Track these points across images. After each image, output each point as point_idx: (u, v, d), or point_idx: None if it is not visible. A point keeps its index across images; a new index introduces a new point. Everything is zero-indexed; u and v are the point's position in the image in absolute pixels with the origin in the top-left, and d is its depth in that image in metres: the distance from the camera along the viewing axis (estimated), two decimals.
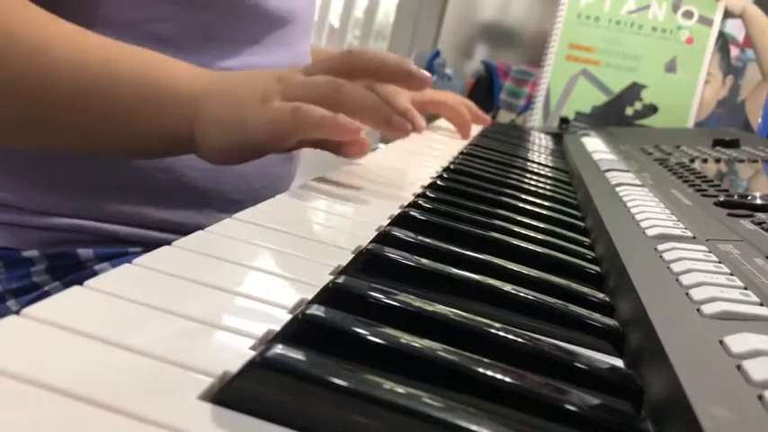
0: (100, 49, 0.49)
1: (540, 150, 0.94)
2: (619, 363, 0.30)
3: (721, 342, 0.25)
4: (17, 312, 0.22)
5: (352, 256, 0.35)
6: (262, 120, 0.46)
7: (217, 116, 0.48)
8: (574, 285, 0.37)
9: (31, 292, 0.59)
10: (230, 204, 0.63)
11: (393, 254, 0.34)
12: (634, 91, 1.28)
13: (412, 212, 0.43)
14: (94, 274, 0.51)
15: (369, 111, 0.46)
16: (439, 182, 0.55)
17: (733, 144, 0.83)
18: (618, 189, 0.57)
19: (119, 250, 0.59)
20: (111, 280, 0.26)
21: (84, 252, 0.59)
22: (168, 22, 0.58)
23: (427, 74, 0.49)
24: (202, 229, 0.34)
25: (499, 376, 0.23)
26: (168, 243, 0.32)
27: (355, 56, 0.48)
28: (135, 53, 0.50)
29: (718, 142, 0.84)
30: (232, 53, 0.62)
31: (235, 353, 0.23)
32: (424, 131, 0.91)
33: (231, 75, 0.52)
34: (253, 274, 0.31)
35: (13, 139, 0.54)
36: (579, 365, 0.27)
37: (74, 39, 0.48)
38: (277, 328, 0.25)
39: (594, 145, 0.90)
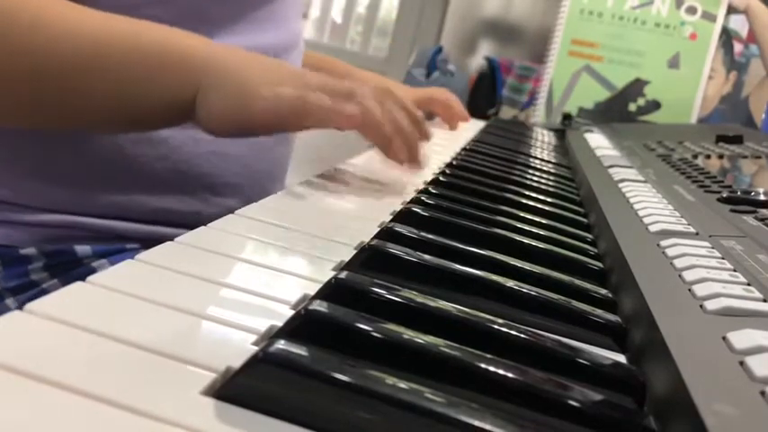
0: (98, 19, 0.48)
1: (542, 146, 0.94)
2: (621, 359, 0.30)
3: (724, 338, 0.25)
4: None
5: (355, 251, 0.35)
6: (264, 97, 0.46)
7: (220, 83, 0.48)
8: (576, 281, 0.37)
9: (29, 290, 0.59)
10: (227, 188, 0.63)
11: (395, 250, 0.34)
12: (637, 87, 1.28)
13: (414, 208, 0.43)
14: (93, 271, 0.51)
15: (373, 123, 0.46)
16: (441, 178, 0.55)
17: (736, 140, 0.83)
18: (621, 185, 0.57)
19: (116, 247, 0.59)
20: (114, 275, 0.26)
21: (82, 249, 0.59)
22: (161, 5, 0.58)
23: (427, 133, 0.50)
24: (200, 215, 0.34)
25: (502, 372, 0.23)
26: (165, 238, 0.32)
27: (386, 97, 0.48)
28: (137, 23, 0.50)
29: (721, 138, 0.84)
30: (225, 33, 0.62)
31: (237, 348, 0.23)
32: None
33: (251, 55, 0.51)
34: (255, 270, 0.31)
35: (11, 119, 0.53)
36: (582, 361, 0.27)
37: (71, 10, 0.48)
38: (279, 323, 0.25)
39: (597, 141, 0.90)
